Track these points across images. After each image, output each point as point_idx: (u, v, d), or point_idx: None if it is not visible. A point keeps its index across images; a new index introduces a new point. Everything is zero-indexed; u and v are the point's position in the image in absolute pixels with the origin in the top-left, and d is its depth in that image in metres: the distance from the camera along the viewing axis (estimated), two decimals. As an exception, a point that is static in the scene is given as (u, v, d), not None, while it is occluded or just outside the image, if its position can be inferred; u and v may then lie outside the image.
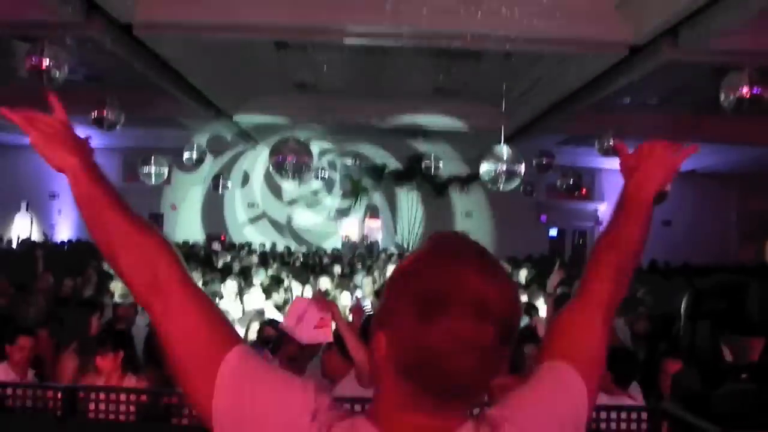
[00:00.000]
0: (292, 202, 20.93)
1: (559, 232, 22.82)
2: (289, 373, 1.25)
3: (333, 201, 20.93)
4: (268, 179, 20.40)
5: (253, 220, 21.27)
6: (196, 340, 1.22)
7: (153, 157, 13.15)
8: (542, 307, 6.93)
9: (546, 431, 1.20)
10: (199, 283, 6.17)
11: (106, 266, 10.11)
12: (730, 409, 2.36)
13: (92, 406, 3.10)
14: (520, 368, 4.48)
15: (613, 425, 2.86)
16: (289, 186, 19.55)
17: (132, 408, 3.05)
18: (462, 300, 1.06)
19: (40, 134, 1.43)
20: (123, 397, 3.05)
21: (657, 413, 2.81)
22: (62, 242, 19.18)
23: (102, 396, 3.07)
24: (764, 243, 20.74)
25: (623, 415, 2.88)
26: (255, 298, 7.75)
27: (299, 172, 8.87)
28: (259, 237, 20.52)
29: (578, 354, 1.33)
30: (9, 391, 3.16)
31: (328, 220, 21.00)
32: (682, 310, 2.69)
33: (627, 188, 1.55)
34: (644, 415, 2.87)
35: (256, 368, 1.20)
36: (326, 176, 18.20)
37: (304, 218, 21.00)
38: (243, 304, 7.57)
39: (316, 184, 19.35)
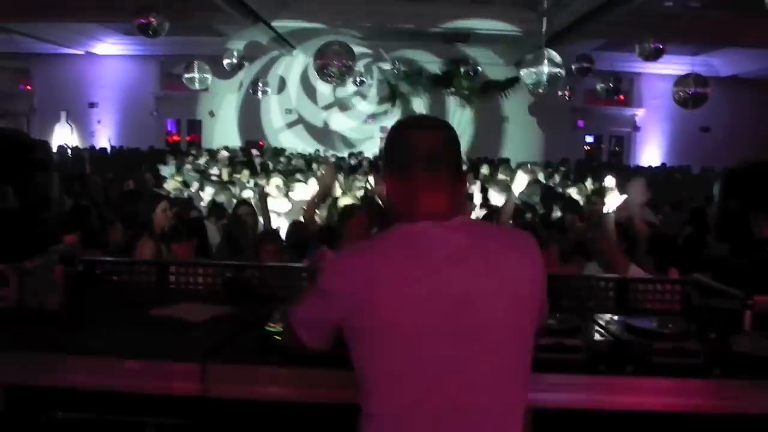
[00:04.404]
0: (328, 107, 21.05)
1: (596, 137, 22.78)
2: None
3: (369, 106, 20.98)
4: (305, 84, 20.51)
5: (291, 125, 21.47)
6: None
7: (195, 63, 13.31)
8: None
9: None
10: (248, 185, 6.54)
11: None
12: (753, 277, 2.67)
13: (181, 278, 3.49)
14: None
15: (649, 296, 3.20)
16: (325, 90, 19.74)
17: (217, 281, 3.44)
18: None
19: None
20: (210, 270, 3.45)
21: (688, 283, 3.13)
22: (103, 149, 19.61)
23: (190, 269, 3.47)
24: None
25: (659, 287, 3.21)
26: (300, 194, 8.11)
27: (342, 75, 9.07)
28: (297, 143, 20.76)
29: None
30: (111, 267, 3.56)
31: (363, 125, 21.12)
32: (716, 190, 2.95)
33: None
34: (678, 287, 3.20)
35: None
36: (364, 80, 18.20)
37: (339, 122, 21.15)
38: (290, 200, 7.94)
39: (351, 89, 19.43)
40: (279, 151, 18.90)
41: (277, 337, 2.29)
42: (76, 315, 2.84)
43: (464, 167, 1.83)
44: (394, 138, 1.77)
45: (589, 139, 22.73)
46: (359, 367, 1.68)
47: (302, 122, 21.46)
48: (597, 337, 2.30)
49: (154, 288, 3.43)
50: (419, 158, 1.70)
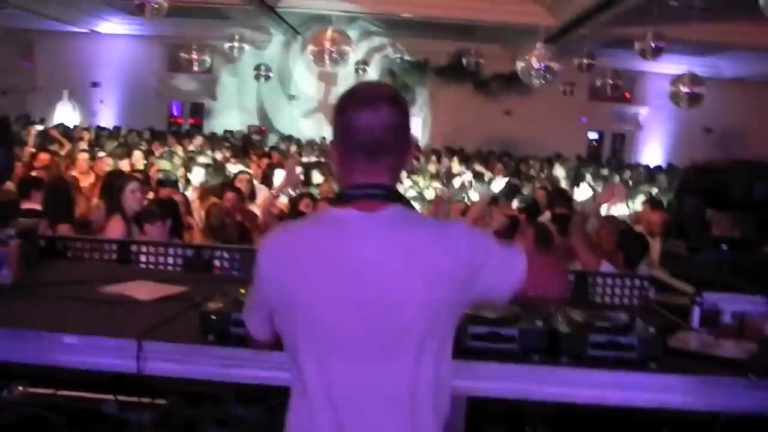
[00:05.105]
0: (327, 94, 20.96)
1: (599, 134, 22.73)
2: None
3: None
4: (310, 71, 20.46)
5: (295, 110, 21.41)
6: None
7: (196, 46, 13.35)
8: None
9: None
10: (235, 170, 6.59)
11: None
12: (707, 274, 2.65)
13: (143, 258, 3.50)
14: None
15: (609, 290, 3.20)
16: (331, 78, 19.68)
17: (179, 261, 3.45)
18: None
19: None
20: (171, 250, 3.45)
21: (646, 279, 3.13)
22: (105, 128, 19.56)
23: (151, 249, 3.47)
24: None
25: (618, 281, 3.21)
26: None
27: (338, 61, 9.05)
28: (302, 128, 20.70)
29: None
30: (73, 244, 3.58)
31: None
32: (675, 187, 2.93)
33: None
34: (637, 282, 3.20)
35: None
36: (366, 68, 18.15)
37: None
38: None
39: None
40: (286, 137, 18.89)
41: (213, 317, 2.29)
42: (26, 289, 2.83)
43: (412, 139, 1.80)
44: (338, 115, 1.71)
45: (593, 135, 22.68)
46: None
47: (307, 108, 21.40)
48: (534, 327, 2.28)
49: (116, 266, 3.44)
50: (359, 144, 1.67)
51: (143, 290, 2.84)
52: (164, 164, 8.77)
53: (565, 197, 7.40)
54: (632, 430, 2.35)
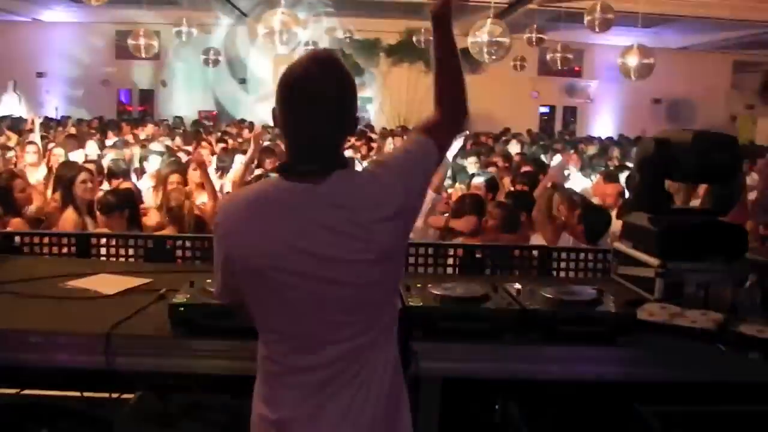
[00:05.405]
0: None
1: (549, 108, 22.93)
2: None
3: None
4: (261, 53, 20.22)
5: (249, 94, 21.16)
6: None
7: (143, 32, 13.07)
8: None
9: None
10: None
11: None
12: (669, 245, 2.69)
13: (103, 250, 3.43)
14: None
15: (572, 264, 3.24)
16: (283, 60, 19.47)
17: (139, 252, 3.39)
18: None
19: None
20: (131, 241, 3.39)
21: (609, 252, 3.17)
22: (52, 118, 19.11)
23: (111, 241, 3.41)
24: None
25: (581, 256, 3.25)
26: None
27: (288, 43, 8.96)
28: (258, 112, 20.44)
29: None
30: (28, 239, 3.49)
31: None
32: (634, 159, 2.97)
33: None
34: (600, 255, 3.25)
35: None
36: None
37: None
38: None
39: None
40: (239, 121, 18.65)
41: (182, 309, 2.26)
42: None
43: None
44: (280, 101, 1.75)
45: (544, 109, 22.89)
46: None
47: (259, 91, 21.13)
48: (504, 305, 2.29)
49: (75, 260, 3.36)
50: (300, 139, 1.74)
51: (107, 284, 2.79)
52: (119, 153, 8.58)
53: (524, 174, 7.42)
54: (603, 404, 2.37)
